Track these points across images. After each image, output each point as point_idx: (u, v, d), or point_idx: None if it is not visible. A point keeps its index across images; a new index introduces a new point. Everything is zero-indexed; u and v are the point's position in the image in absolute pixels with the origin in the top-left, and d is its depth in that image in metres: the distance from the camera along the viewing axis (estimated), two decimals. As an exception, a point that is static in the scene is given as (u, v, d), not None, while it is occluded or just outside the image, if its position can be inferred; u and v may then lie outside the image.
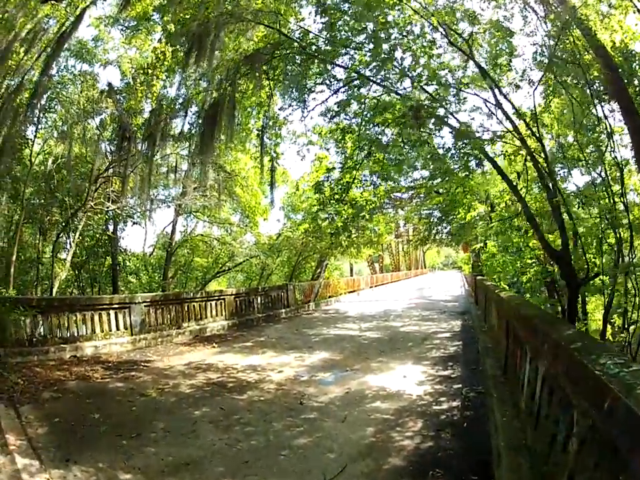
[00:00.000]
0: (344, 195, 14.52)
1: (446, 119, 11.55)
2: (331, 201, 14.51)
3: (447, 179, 14.00)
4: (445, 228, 20.35)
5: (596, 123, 11.63)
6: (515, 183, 12.50)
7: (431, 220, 23.06)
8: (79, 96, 17.33)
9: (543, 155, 11.08)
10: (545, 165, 10.89)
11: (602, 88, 11.07)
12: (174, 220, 25.07)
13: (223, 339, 14.30)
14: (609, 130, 11.27)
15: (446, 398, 7.40)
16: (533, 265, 15.23)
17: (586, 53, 10.90)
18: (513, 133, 11.32)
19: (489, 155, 12.21)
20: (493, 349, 9.38)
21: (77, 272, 22.17)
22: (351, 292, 32.26)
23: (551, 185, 10.85)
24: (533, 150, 11.12)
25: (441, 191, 16.32)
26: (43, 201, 19.16)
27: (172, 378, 9.10)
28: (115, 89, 17.59)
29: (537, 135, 11.16)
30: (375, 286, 40.65)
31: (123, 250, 24.51)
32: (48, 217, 19.37)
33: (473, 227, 18.27)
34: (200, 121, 14.08)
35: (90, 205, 17.75)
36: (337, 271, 34.11)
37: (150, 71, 15.59)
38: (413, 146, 12.64)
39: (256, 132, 16.09)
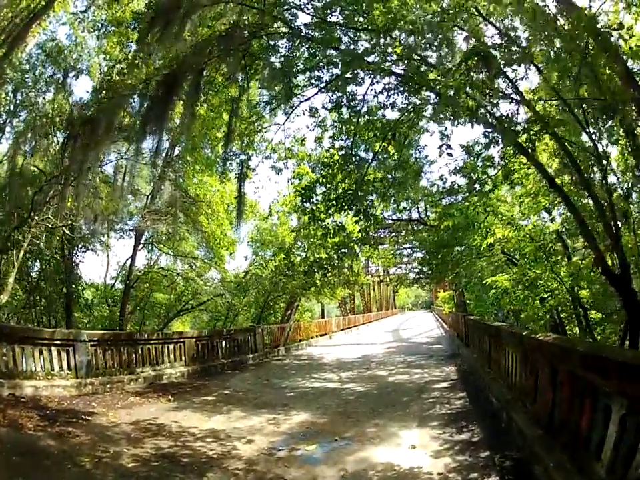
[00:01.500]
0: (333, 213, 12.31)
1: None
2: (318, 216, 12.30)
3: (472, 191, 11.92)
4: (434, 265, 18.41)
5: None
6: (560, 184, 10.60)
7: (414, 257, 21.42)
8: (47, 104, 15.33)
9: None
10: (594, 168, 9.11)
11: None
12: (134, 250, 22.75)
13: (182, 389, 12.26)
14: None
15: (478, 474, 5.52)
16: (549, 297, 13.43)
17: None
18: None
19: (523, 147, 10.01)
20: (520, 400, 7.47)
21: (31, 298, 19.71)
22: (323, 335, 30.25)
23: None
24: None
25: (454, 213, 14.32)
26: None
27: (114, 442, 7.11)
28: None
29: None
30: (347, 328, 38.81)
31: (78, 278, 22.20)
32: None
33: (469, 259, 16.66)
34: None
35: (35, 221, 15.12)
36: (308, 312, 31.80)
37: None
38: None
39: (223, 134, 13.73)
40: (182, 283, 24.09)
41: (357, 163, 11.81)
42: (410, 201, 15.79)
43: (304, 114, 11.98)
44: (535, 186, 13.74)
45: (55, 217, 15.17)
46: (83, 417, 8.55)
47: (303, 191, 12.64)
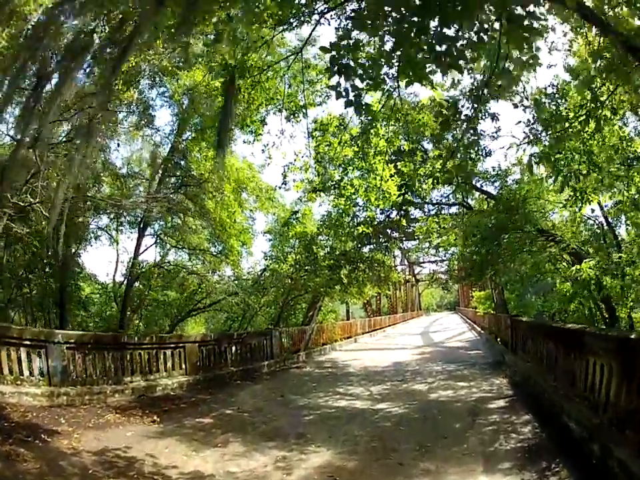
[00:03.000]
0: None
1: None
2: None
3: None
4: (479, 259, 15.84)
5: None
6: None
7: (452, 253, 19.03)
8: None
9: None
10: None
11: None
12: (137, 242, 20.65)
13: (176, 404, 10.24)
14: None
15: None
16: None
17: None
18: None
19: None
20: (616, 427, 5.47)
21: (16, 291, 17.50)
22: (347, 338, 27.95)
23: None
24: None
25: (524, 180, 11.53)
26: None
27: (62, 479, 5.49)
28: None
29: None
30: (373, 330, 36.27)
31: (78, 273, 20.15)
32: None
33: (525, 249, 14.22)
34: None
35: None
36: (332, 313, 29.15)
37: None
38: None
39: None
40: (193, 280, 22.02)
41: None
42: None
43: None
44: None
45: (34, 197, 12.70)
46: (42, 436, 6.96)
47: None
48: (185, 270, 21.01)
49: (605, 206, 15.01)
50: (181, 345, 12.71)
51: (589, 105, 7.81)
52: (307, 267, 18.64)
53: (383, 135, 8.91)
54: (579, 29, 8.65)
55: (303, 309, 24.50)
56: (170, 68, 13.89)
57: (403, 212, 8.74)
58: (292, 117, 10.83)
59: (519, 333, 14.02)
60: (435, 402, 10.20)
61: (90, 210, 16.55)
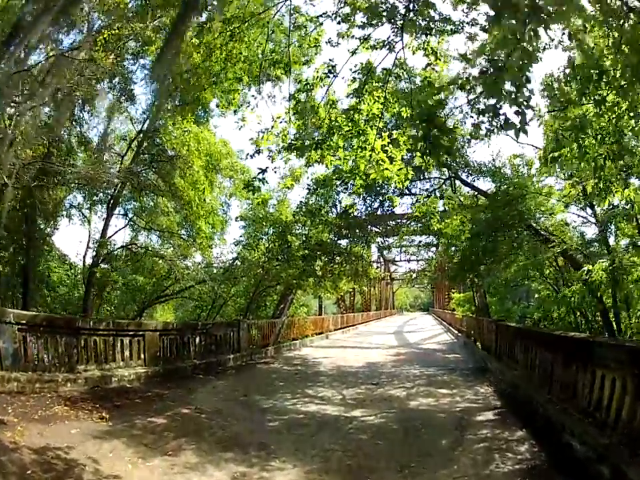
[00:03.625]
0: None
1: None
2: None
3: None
4: (468, 258, 14.96)
5: None
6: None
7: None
8: None
9: None
10: None
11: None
12: (105, 221, 19.31)
13: (130, 399, 9.22)
14: None
15: None
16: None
17: None
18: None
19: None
20: (629, 448, 4.82)
21: None
22: (319, 334, 26.87)
23: None
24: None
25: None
26: None
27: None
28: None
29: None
30: (345, 327, 35.40)
31: (46, 252, 19.50)
32: None
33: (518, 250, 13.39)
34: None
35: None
36: (304, 307, 27.84)
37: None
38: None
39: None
40: (162, 265, 20.74)
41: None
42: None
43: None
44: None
45: None
46: (-14, 425, 6.19)
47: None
48: (153, 253, 19.79)
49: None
50: (140, 333, 11.63)
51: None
52: (279, 257, 17.48)
53: (378, 98, 7.80)
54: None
55: (274, 300, 23.34)
56: (153, 38, 12.83)
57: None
58: (272, 76, 9.64)
59: (504, 339, 13.19)
60: (416, 411, 9.16)
61: (59, 184, 15.48)
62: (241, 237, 21.31)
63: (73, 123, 16.27)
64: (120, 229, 20.09)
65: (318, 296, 31.33)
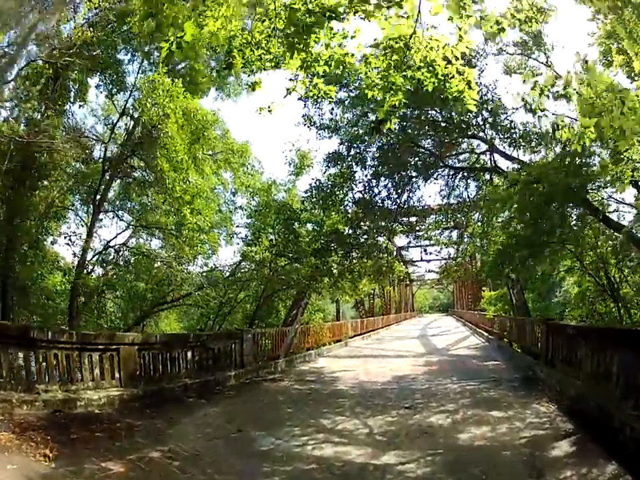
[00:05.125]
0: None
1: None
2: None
3: None
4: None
5: None
6: None
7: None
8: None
9: None
10: None
11: None
12: (92, 220, 17.49)
13: (92, 430, 7.17)
14: None
15: None
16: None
17: None
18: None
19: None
20: None
21: None
22: (337, 341, 24.32)
23: None
24: None
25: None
26: None
27: None
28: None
29: None
30: (365, 332, 32.73)
31: (35, 257, 18.13)
32: None
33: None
34: None
35: None
36: (320, 313, 24.92)
37: None
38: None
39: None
40: (160, 268, 19.05)
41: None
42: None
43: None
44: None
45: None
46: None
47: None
48: (148, 254, 17.75)
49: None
50: (113, 347, 9.53)
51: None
52: (287, 252, 14.98)
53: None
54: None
55: (286, 306, 20.84)
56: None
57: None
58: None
59: (560, 341, 10.94)
60: (471, 450, 6.67)
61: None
62: (246, 231, 18.77)
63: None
64: (120, 232, 18.58)
65: (335, 300, 28.90)
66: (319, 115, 14.89)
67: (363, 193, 14.45)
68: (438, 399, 10.31)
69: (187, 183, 15.11)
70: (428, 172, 14.86)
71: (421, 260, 53.09)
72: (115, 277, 18.89)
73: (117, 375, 9.40)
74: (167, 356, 10.84)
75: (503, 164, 15.65)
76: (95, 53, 14.91)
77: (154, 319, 23.17)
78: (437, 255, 51.41)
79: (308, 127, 15.09)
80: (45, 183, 16.41)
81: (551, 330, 11.85)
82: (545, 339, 12.12)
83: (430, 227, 17.93)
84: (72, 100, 17.23)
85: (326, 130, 15.02)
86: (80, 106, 17.84)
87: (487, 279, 23.26)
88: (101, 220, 18.07)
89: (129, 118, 16.61)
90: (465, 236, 18.84)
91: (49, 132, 14.00)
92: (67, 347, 8.70)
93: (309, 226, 15.61)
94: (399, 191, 14.79)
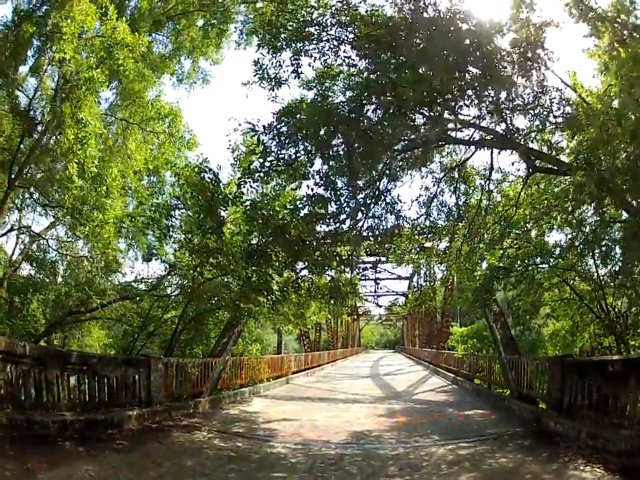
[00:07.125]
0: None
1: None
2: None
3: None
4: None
5: None
6: None
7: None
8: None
9: None
10: None
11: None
12: (5, 194, 13.73)
13: None
14: None
15: None
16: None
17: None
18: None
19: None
20: None
21: None
22: (277, 377, 20.96)
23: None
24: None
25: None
26: None
27: None
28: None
29: None
30: (309, 368, 29.47)
31: None
32: None
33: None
34: None
35: None
36: (257, 344, 20.81)
37: None
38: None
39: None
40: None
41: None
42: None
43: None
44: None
45: None
46: None
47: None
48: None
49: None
50: None
51: None
52: (213, 257, 10.94)
53: None
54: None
55: (219, 330, 16.81)
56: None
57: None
58: None
59: (585, 383, 8.80)
60: None
61: None
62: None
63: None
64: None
65: (277, 330, 25.13)
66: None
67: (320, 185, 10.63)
68: (425, 476, 6.71)
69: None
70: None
71: (375, 293, 50.46)
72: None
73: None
74: (41, 377, 7.89)
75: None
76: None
77: (78, 332, 20.89)
78: (388, 291, 49.07)
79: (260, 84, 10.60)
80: None
81: (571, 369, 9.55)
82: (561, 381, 9.64)
83: (403, 243, 14.27)
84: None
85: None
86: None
87: (470, 309, 20.29)
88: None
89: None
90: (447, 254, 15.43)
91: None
92: None
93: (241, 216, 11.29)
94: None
